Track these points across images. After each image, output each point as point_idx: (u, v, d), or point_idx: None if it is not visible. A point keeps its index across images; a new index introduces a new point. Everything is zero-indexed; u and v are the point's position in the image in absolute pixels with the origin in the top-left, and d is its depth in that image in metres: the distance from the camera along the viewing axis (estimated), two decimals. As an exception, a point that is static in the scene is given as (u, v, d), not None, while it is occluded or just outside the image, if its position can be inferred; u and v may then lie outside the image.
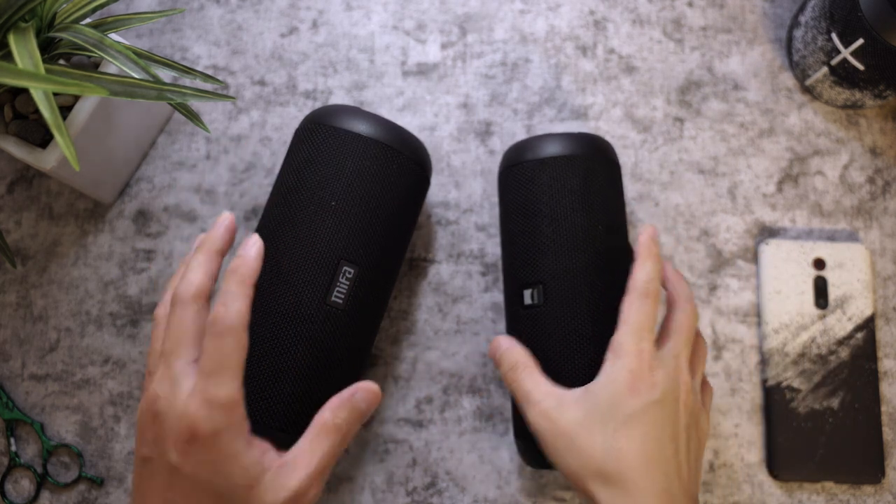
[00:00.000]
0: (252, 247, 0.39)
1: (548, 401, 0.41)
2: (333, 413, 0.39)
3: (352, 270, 0.45)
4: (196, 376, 0.37)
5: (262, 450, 0.37)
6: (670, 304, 0.44)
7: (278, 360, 0.44)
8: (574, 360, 0.45)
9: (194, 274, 0.39)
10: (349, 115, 0.48)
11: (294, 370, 0.44)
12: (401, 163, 0.47)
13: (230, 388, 0.36)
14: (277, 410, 0.43)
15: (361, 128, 0.47)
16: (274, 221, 0.47)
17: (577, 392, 0.41)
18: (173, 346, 0.38)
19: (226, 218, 0.41)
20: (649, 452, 0.39)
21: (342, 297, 0.45)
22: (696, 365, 0.44)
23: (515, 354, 0.44)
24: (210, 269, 0.40)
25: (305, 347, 0.44)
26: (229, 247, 0.42)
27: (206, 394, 0.36)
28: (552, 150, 0.48)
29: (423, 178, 0.49)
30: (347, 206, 0.46)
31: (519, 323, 0.47)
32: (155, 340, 0.40)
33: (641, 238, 0.43)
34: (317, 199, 0.46)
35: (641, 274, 0.42)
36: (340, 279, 0.45)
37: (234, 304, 0.37)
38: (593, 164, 0.47)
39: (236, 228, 0.42)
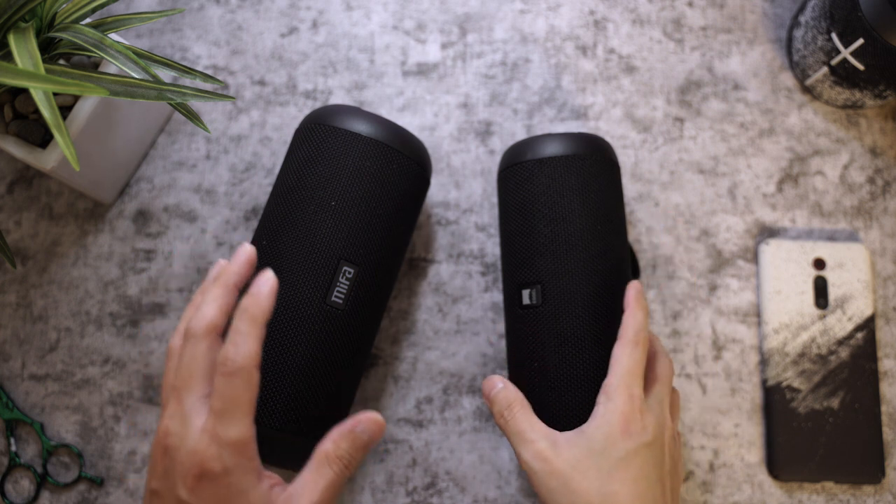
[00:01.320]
0: (265, 284, 0.38)
1: (542, 441, 0.42)
2: (335, 444, 0.38)
3: (352, 270, 0.45)
4: (207, 414, 0.36)
5: (269, 484, 0.37)
6: (651, 356, 0.46)
7: (278, 361, 0.44)
8: (572, 361, 0.45)
9: (208, 308, 0.38)
10: (349, 115, 0.48)
11: (294, 370, 0.44)
12: (401, 163, 0.47)
13: (241, 427, 0.36)
14: (277, 410, 0.44)
15: (361, 128, 0.47)
16: (274, 221, 0.47)
17: (571, 434, 0.42)
18: (184, 381, 0.37)
19: (247, 250, 0.40)
20: (641, 494, 0.40)
21: (342, 297, 0.45)
22: (674, 412, 0.46)
23: (511, 393, 0.45)
24: (225, 303, 0.39)
25: (305, 347, 0.44)
26: (246, 280, 0.40)
27: (216, 433, 0.35)
28: (551, 150, 0.48)
29: (423, 178, 0.49)
30: (347, 206, 0.46)
31: (517, 323, 0.47)
32: (168, 372, 0.40)
33: (629, 292, 0.45)
34: (317, 198, 0.46)
35: (632, 322, 0.44)
36: (340, 279, 0.45)
37: (245, 344, 0.36)
38: (592, 164, 0.47)
39: (256, 261, 0.41)
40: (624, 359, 0.43)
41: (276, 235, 0.46)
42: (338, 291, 0.45)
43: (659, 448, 0.42)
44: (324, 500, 0.37)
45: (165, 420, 0.37)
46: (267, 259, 0.46)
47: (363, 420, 0.39)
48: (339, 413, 0.47)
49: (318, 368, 0.45)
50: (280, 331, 0.44)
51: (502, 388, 0.45)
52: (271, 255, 0.46)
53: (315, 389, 0.44)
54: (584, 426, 0.42)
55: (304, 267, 0.45)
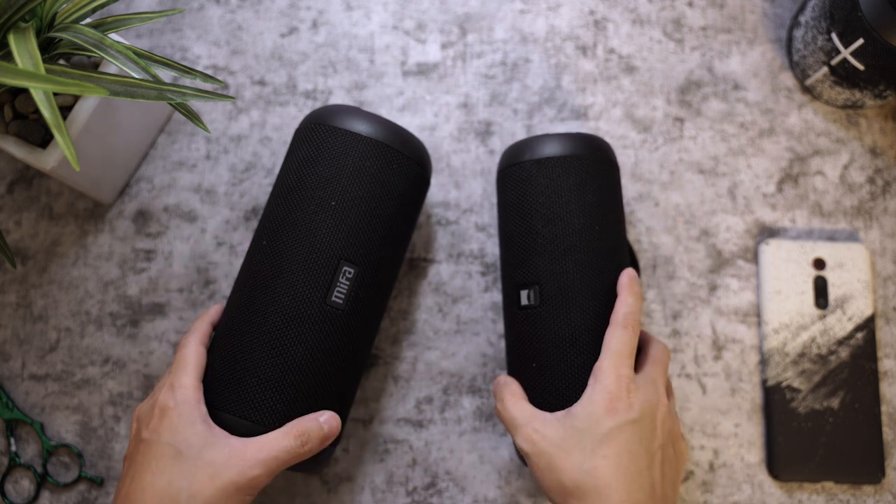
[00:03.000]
0: (215, 305, 0.50)
1: (531, 423, 0.44)
2: (302, 423, 0.44)
3: (352, 271, 0.45)
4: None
5: (222, 433, 0.43)
6: (645, 342, 0.47)
7: (279, 361, 0.44)
8: (569, 361, 0.45)
9: (194, 329, 0.48)
10: (349, 115, 0.48)
11: (294, 371, 0.44)
12: (401, 163, 0.47)
13: (188, 378, 0.45)
14: (277, 411, 0.44)
15: (361, 128, 0.47)
16: (274, 221, 0.47)
17: (560, 413, 0.44)
18: (174, 369, 0.46)
19: (217, 306, 0.51)
20: (623, 467, 0.41)
21: (342, 297, 0.45)
22: (670, 396, 0.46)
23: (502, 385, 0.47)
24: (206, 327, 0.48)
25: (306, 348, 0.44)
26: (216, 319, 0.50)
27: (171, 383, 0.45)
28: (549, 150, 0.48)
29: (423, 178, 0.49)
30: (347, 206, 0.46)
31: (515, 323, 0.47)
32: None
33: (622, 278, 0.46)
34: (317, 198, 0.46)
35: (622, 307, 0.45)
36: (340, 279, 0.45)
37: (195, 331, 0.47)
38: (590, 164, 0.47)
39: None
40: (613, 341, 0.44)
41: (276, 235, 0.46)
42: (338, 291, 0.45)
43: (647, 424, 0.42)
44: (277, 458, 0.42)
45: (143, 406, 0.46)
46: (267, 259, 0.46)
47: (327, 415, 0.45)
48: (340, 413, 0.47)
49: (319, 369, 0.45)
50: (280, 331, 0.44)
51: (500, 382, 0.47)
52: (271, 256, 0.46)
53: (315, 389, 0.45)
54: (572, 406, 0.43)
55: (305, 267, 0.45)
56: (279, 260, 0.45)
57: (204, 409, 0.44)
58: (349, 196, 0.46)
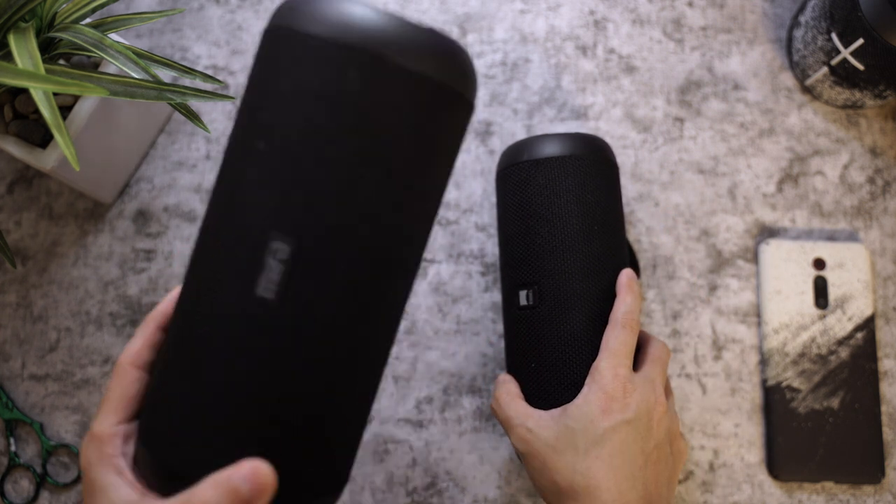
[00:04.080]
0: (170, 294, 0.39)
1: (526, 423, 0.44)
2: (214, 481, 0.32)
3: (286, 249, 0.31)
4: None
5: (140, 492, 0.33)
6: (645, 341, 0.47)
7: (183, 378, 0.33)
8: (568, 362, 0.45)
9: (139, 330, 0.39)
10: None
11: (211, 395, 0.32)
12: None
13: (104, 422, 0.35)
14: (188, 451, 0.32)
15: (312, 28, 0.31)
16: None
17: (555, 412, 0.43)
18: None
19: (171, 293, 0.40)
20: (616, 467, 0.41)
21: (272, 288, 0.31)
22: (669, 395, 0.46)
23: (500, 384, 0.47)
24: (145, 337, 0.38)
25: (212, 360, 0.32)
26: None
27: (90, 429, 0.36)
28: (548, 150, 0.47)
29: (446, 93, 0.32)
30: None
31: (514, 323, 0.47)
32: None
33: (621, 278, 0.46)
34: (239, 136, 0.32)
35: (621, 307, 0.45)
36: (270, 260, 0.31)
37: (129, 345, 0.37)
38: (589, 164, 0.47)
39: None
40: (611, 341, 0.44)
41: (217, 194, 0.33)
42: (268, 281, 0.31)
43: (643, 423, 0.42)
44: None
45: None
46: (200, 235, 0.34)
47: (245, 467, 0.31)
48: (285, 456, 0.32)
49: (237, 392, 0.31)
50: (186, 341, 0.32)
51: (498, 381, 0.47)
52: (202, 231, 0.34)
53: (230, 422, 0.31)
54: (568, 405, 0.43)
55: (224, 249, 0.32)
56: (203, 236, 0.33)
57: (118, 461, 0.34)
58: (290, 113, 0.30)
